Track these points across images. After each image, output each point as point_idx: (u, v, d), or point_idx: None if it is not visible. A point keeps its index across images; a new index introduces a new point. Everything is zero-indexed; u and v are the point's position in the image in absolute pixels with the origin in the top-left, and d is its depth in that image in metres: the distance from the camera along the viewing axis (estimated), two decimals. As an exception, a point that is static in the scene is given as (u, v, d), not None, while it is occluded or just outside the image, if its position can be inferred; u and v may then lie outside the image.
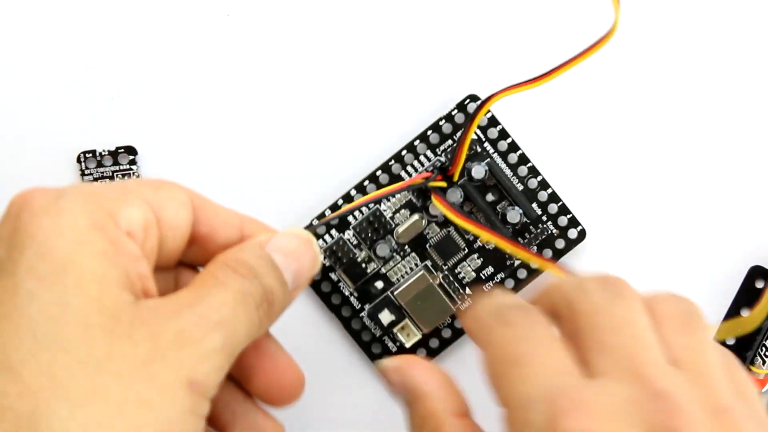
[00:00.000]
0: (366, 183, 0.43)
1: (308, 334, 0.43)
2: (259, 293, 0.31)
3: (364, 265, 0.42)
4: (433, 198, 0.41)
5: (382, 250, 0.42)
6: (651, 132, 0.44)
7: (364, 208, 0.42)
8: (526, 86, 0.40)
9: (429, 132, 0.43)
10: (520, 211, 0.42)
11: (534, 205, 0.43)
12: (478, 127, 0.42)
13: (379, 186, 0.43)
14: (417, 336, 0.42)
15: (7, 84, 0.43)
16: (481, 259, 0.43)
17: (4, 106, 0.43)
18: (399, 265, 0.43)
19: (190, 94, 0.43)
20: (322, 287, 0.43)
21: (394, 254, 0.43)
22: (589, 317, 0.28)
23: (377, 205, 0.42)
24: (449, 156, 0.42)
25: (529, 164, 0.43)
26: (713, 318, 0.44)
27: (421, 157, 0.43)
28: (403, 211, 0.42)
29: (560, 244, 0.43)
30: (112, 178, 0.43)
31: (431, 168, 0.43)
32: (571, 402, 0.26)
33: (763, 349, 0.43)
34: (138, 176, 0.43)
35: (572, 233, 0.43)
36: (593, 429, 0.25)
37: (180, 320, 0.29)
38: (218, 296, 0.30)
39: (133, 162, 0.43)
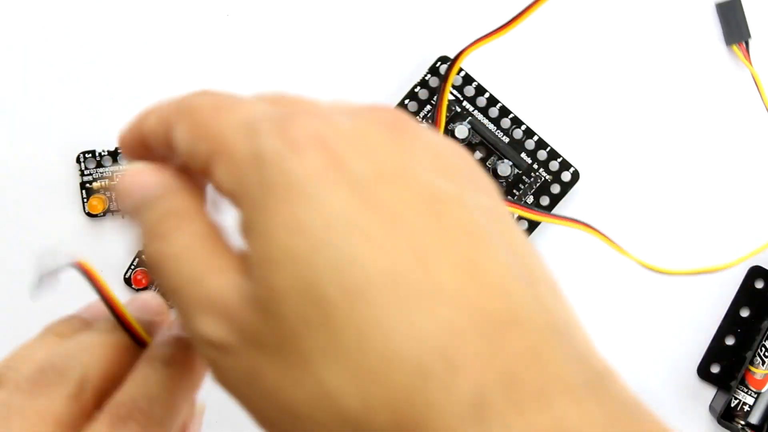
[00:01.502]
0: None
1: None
2: None
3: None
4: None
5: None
6: (637, 97, 0.44)
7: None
8: (491, 37, 0.40)
9: (407, 101, 0.43)
10: (510, 163, 0.42)
11: (523, 155, 0.43)
12: (455, 87, 0.42)
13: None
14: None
15: (8, 84, 0.43)
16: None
17: (4, 107, 0.44)
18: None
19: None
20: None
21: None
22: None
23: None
24: (430, 121, 0.42)
25: (511, 115, 0.43)
26: (713, 318, 0.44)
27: (403, 127, 0.43)
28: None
29: (555, 189, 0.43)
30: (112, 178, 0.43)
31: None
32: (294, 113, 0.24)
33: (763, 349, 0.43)
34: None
35: (566, 176, 0.43)
36: (325, 124, 0.24)
37: None
38: None
39: None
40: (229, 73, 0.43)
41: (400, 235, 0.23)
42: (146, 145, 0.28)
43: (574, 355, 0.22)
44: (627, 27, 0.44)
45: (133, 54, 0.43)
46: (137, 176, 0.27)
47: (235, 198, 0.24)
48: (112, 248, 0.41)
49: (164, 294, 0.26)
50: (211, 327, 0.24)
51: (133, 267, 0.43)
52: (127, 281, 0.43)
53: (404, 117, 0.25)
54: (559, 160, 0.43)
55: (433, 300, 0.22)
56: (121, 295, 0.42)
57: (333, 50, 0.44)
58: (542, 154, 0.43)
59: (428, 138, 0.24)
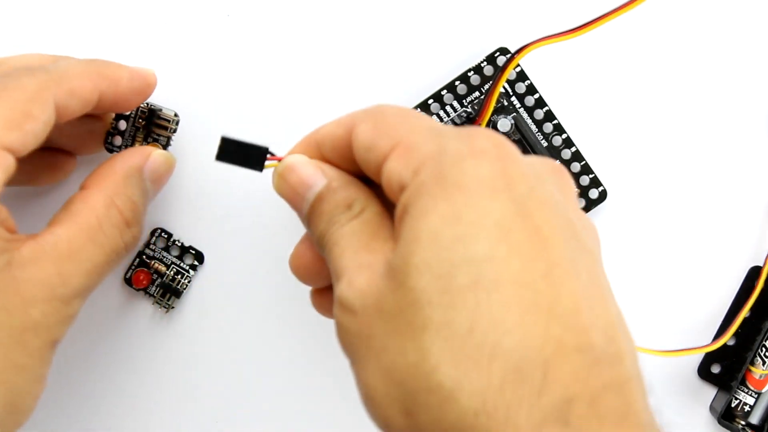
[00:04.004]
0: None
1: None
2: (135, 241, 0.35)
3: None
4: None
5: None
6: (675, 105, 0.44)
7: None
8: (557, 38, 0.40)
9: (457, 83, 0.43)
10: (543, 167, 0.42)
11: (557, 162, 0.43)
12: (507, 80, 0.42)
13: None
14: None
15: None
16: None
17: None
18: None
19: (190, 94, 0.43)
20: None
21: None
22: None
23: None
24: (476, 108, 0.42)
25: (555, 121, 0.43)
26: (713, 318, 0.44)
27: (447, 107, 0.43)
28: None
29: (581, 203, 0.43)
30: (121, 135, 0.42)
31: (458, 118, 0.43)
32: (470, 134, 0.28)
33: (763, 349, 0.43)
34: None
35: (593, 193, 0.43)
36: (505, 142, 0.28)
37: (53, 283, 0.31)
38: (93, 258, 0.33)
39: None
40: (230, 74, 0.43)
41: (538, 249, 0.26)
42: (318, 147, 0.31)
43: (647, 401, 0.25)
44: (697, 68, 0.44)
45: (132, 54, 0.42)
46: (305, 167, 0.31)
47: (405, 184, 0.27)
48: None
49: (330, 264, 0.29)
50: (345, 291, 0.27)
51: (133, 267, 0.42)
52: (128, 281, 0.42)
53: (565, 171, 0.30)
54: (591, 176, 0.43)
55: (549, 314, 0.25)
56: (121, 295, 0.42)
57: (370, 11, 0.43)
58: (575, 167, 0.43)
59: (575, 197, 0.29)
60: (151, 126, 0.38)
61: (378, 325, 0.26)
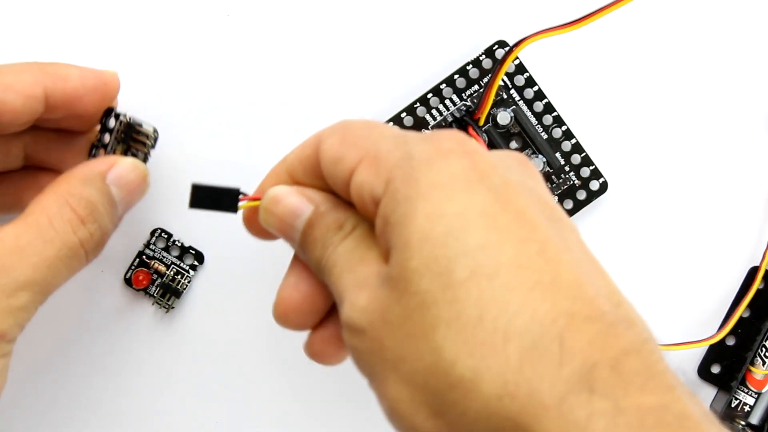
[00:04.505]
0: (391, 125, 0.42)
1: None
2: (93, 239, 0.34)
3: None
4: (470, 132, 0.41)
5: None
6: (675, 98, 0.44)
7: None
8: (556, 31, 0.39)
9: (456, 76, 0.42)
10: (544, 159, 0.42)
11: (557, 154, 0.42)
12: (506, 73, 0.42)
13: (404, 129, 0.42)
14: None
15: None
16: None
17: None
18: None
19: (190, 94, 0.42)
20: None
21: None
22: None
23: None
24: (475, 101, 0.42)
25: (555, 113, 0.43)
26: (713, 318, 0.44)
27: (447, 101, 0.42)
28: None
29: (581, 195, 0.43)
30: (105, 147, 0.41)
31: (457, 112, 0.42)
32: (439, 132, 0.29)
33: (763, 349, 0.43)
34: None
35: (594, 185, 0.43)
36: (468, 140, 0.28)
37: None
38: (41, 252, 0.32)
39: None
40: (230, 74, 0.42)
41: (526, 231, 0.26)
42: (289, 174, 0.32)
43: (666, 363, 0.25)
44: (695, 60, 0.44)
45: (133, 54, 0.42)
46: (290, 197, 0.31)
47: (377, 196, 0.28)
48: (112, 248, 0.40)
49: (331, 288, 0.30)
50: (348, 313, 0.27)
51: (133, 267, 0.42)
52: (128, 281, 0.42)
53: (529, 160, 0.30)
54: (592, 167, 0.43)
55: (553, 289, 0.25)
56: (121, 295, 0.41)
57: (367, 4, 0.43)
58: (576, 158, 0.43)
59: (544, 184, 0.30)
60: (128, 140, 0.37)
61: (389, 338, 0.26)
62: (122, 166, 0.35)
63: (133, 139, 0.37)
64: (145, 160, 0.37)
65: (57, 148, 0.38)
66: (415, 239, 0.26)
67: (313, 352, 0.32)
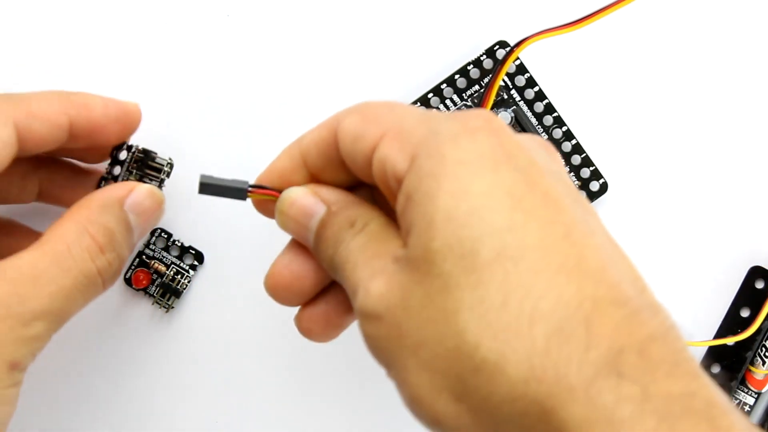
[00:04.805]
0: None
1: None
2: (112, 268, 0.33)
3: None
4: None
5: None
6: (676, 99, 0.44)
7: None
8: (557, 31, 0.39)
9: (456, 76, 0.42)
10: (544, 160, 0.42)
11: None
12: (506, 74, 0.42)
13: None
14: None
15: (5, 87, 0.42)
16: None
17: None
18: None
19: (190, 94, 0.42)
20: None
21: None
22: None
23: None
24: (476, 101, 0.42)
25: (555, 114, 0.42)
26: (713, 318, 0.44)
27: (447, 101, 0.42)
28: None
29: (581, 196, 0.43)
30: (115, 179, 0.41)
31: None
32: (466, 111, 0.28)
33: (763, 349, 0.43)
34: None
35: (594, 185, 0.43)
36: (496, 119, 0.28)
37: (9, 303, 0.30)
38: (59, 281, 0.32)
39: None
40: (230, 74, 0.42)
41: (552, 212, 0.25)
42: (303, 156, 0.31)
43: (690, 351, 0.25)
44: (696, 61, 0.44)
45: (133, 54, 0.42)
46: (304, 198, 0.31)
47: (400, 172, 0.27)
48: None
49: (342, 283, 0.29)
50: (364, 300, 0.27)
51: (133, 267, 0.42)
52: (128, 281, 0.42)
53: (552, 145, 0.30)
54: (591, 168, 0.43)
55: (578, 273, 0.25)
56: (121, 295, 0.41)
57: (367, 5, 0.43)
58: (576, 159, 0.43)
59: (565, 169, 0.30)
60: (143, 169, 0.36)
61: (408, 323, 0.25)
62: (140, 192, 0.35)
63: (148, 167, 0.36)
64: (159, 188, 0.37)
65: (70, 185, 0.38)
66: (439, 218, 0.25)
67: (301, 327, 0.32)
